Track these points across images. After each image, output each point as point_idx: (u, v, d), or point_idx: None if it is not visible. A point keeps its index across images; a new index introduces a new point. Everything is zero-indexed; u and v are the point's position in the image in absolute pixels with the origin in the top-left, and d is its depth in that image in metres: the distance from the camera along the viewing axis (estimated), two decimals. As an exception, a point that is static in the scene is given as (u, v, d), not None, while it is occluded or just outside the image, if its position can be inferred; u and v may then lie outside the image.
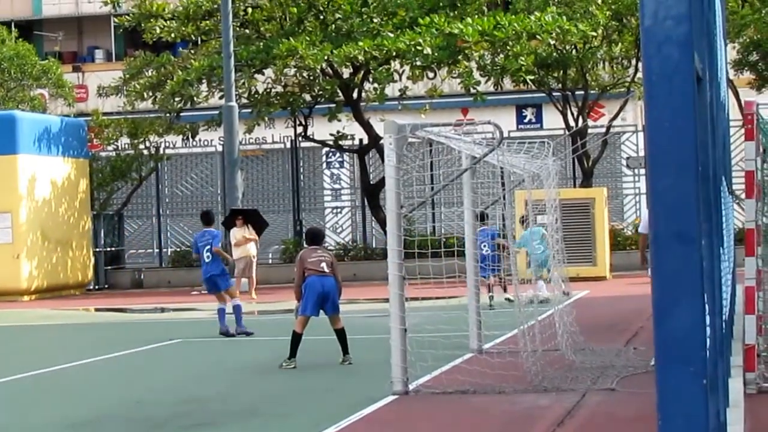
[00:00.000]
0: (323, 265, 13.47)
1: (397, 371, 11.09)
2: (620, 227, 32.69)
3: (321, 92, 31.52)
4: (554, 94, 32.63)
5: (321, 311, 13.54)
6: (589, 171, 32.42)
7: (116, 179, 34.49)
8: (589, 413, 9.96)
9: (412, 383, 11.31)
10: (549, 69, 31.20)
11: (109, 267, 34.12)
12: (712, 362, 4.26)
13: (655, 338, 3.35)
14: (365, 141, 32.84)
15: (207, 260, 17.44)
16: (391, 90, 31.66)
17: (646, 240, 23.87)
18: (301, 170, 35.94)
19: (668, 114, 3.34)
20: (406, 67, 30.02)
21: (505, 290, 20.64)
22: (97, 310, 26.89)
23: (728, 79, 24.14)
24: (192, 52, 32.92)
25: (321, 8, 31.09)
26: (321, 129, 33.32)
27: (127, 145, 34.64)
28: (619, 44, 31.52)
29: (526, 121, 40.78)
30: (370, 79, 30.93)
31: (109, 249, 34.32)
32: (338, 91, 31.56)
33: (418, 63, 28.86)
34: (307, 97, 31.96)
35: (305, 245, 14.43)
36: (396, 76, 30.32)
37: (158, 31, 31.41)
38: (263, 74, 31.34)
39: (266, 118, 32.05)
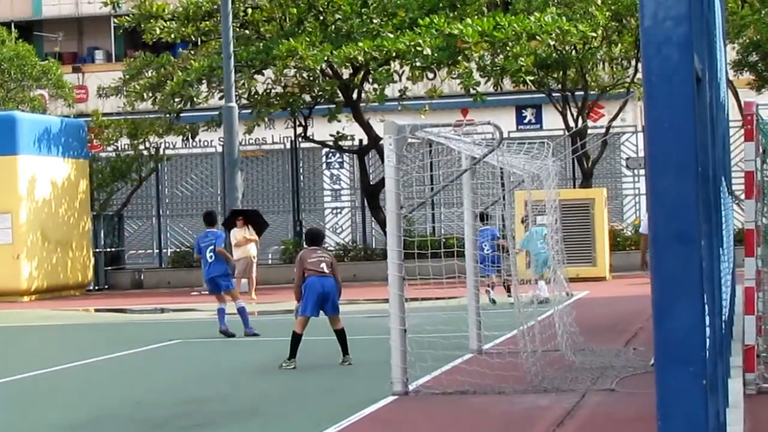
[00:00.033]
0: (323, 265, 13.48)
1: (397, 372, 11.09)
2: (620, 228, 32.69)
3: (321, 93, 31.53)
4: (554, 94, 32.64)
5: (321, 312, 13.55)
6: (589, 171, 32.43)
7: (116, 180, 34.50)
8: (588, 414, 9.97)
9: (411, 384, 11.31)
10: (549, 69, 31.21)
11: (109, 267, 34.13)
12: (711, 363, 4.26)
13: (655, 339, 3.35)
14: (365, 141, 32.85)
15: (210, 261, 17.43)
16: (391, 90, 31.66)
17: (647, 241, 23.87)
18: (301, 171, 35.95)
19: (668, 114, 3.35)
20: (406, 68, 30.02)
21: (507, 290, 20.65)
22: (96, 310, 26.89)
23: (728, 80, 24.16)
24: (192, 52, 32.92)
25: (321, 9, 31.10)
26: (321, 129, 33.33)
27: (127, 146, 34.64)
28: (619, 45, 31.53)
29: (525, 121, 40.80)
30: (370, 80, 30.94)
31: (109, 249, 34.32)
32: (338, 91, 31.57)
33: (418, 63, 28.86)
34: (307, 98, 31.96)
35: (305, 246, 14.43)
36: (396, 77, 30.33)
37: (158, 31, 31.42)
38: (263, 75, 31.35)
39: (266, 119, 32.05)
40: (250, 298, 24.34)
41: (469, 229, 13.87)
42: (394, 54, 28.85)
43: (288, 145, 35.07)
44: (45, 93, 38.38)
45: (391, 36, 28.98)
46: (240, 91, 31.09)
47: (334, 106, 31.88)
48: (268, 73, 31.10)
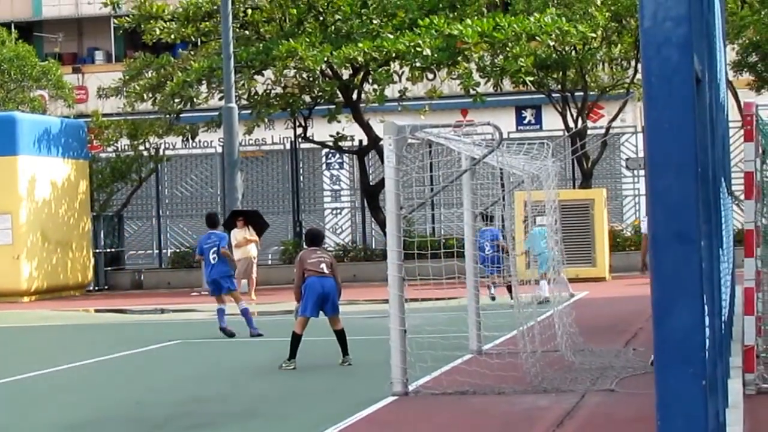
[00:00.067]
0: (323, 266, 13.48)
1: (397, 372, 11.10)
2: (619, 228, 32.69)
3: (321, 93, 31.53)
4: (554, 95, 32.65)
5: (321, 312, 13.56)
6: (589, 172, 32.44)
7: (116, 180, 34.51)
8: (588, 414, 9.97)
9: (411, 384, 11.32)
10: (548, 70, 31.22)
11: (109, 268, 34.13)
12: (711, 363, 4.27)
13: (655, 339, 3.36)
14: (365, 142, 32.85)
15: (213, 262, 17.42)
16: (391, 91, 31.67)
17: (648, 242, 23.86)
18: (301, 171, 35.95)
19: (667, 115, 3.35)
20: (406, 69, 30.02)
21: (509, 291, 20.65)
22: (96, 311, 26.89)
23: (728, 81, 24.16)
24: (192, 53, 32.93)
25: (321, 9, 31.10)
26: (321, 130, 33.33)
27: (127, 147, 34.66)
28: (619, 45, 31.54)
29: (525, 122, 40.80)
30: (370, 81, 30.95)
31: (108, 250, 34.32)
32: (338, 92, 31.57)
33: (418, 64, 28.87)
34: (307, 99, 31.97)
35: (305, 246, 14.45)
36: (395, 78, 30.33)
37: (158, 32, 31.42)
38: (263, 75, 31.35)
39: (266, 120, 32.05)
40: (249, 298, 24.35)
41: (468, 229, 13.87)
42: (393, 54, 28.86)
43: (288, 146, 35.08)
44: (45, 93, 38.38)
45: (391, 37, 28.99)
46: (240, 92, 31.10)
47: (333, 106, 31.89)
48: (268, 73, 31.10)
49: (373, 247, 33.52)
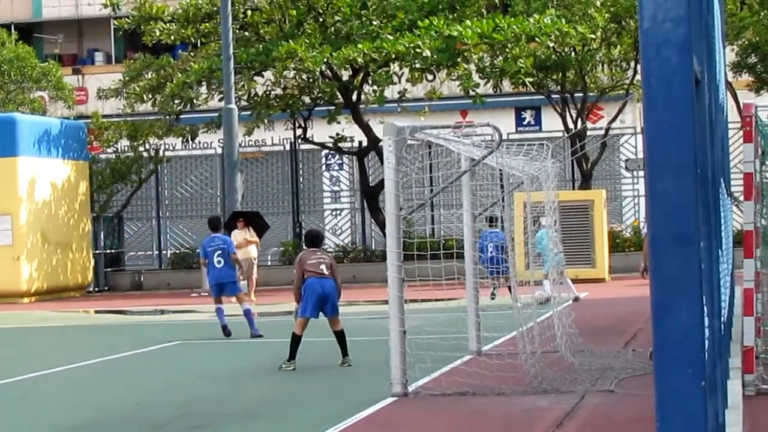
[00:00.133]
0: (322, 267, 13.49)
1: (397, 373, 11.10)
2: (619, 229, 32.69)
3: (320, 94, 31.54)
4: (553, 96, 32.66)
5: (320, 313, 13.56)
6: (588, 173, 32.44)
7: (116, 181, 34.52)
8: (588, 415, 9.98)
9: (411, 385, 11.32)
10: (548, 71, 31.23)
11: (109, 269, 34.14)
12: (710, 364, 4.27)
13: (654, 340, 3.36)
14: (364, 143, 32.86)
15: (218, 265, 17.41)
16: (391, 92, 31.68)
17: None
18: (301, 172, 35.96)
19: (667, 116, 3.35)
20: (406, 70, 30.04)
21: (510, 292, 20.65)
22: (96, 312, 26.89)
23: (727, 82, 24.16)
24: (191, 54, 32.94)
25: (320, 11, 31.11)
26: (320, 131, 33.34)
27: (126, 148, 34.68)
28: (618, 46, 31.55)
29: (525, 123, 40.81)
30: (370, 82, 30.95)
31: (108, 251, 34.33)
32: (337, 93, 31.58)
33: (418, 65, 28.88)
34: (307, 100, 31.98)
35: (304, 247, 14.45)
36: (395, 79, 30.34)
37: (158, 33, 31.42)
38: (263, 76, 31.36)
39: (266, 121, 32.05)
40: (249, 299, 24.35)
41: (468, 230, 13.87)
42: (393, 56, 28.86)
43: (287, 147, 35.09)
44: (45, 95, 38.39)
45: (391, 38, 29.00)
46: (240, 93, 31.11)
47: (333, 107, 31.90)
48: (268, 74, 31.11)
49: (373, 248, 33.52)
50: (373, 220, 33.06)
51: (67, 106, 38.40)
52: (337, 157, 37.02)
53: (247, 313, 17.38)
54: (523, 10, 30.40)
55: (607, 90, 32.74)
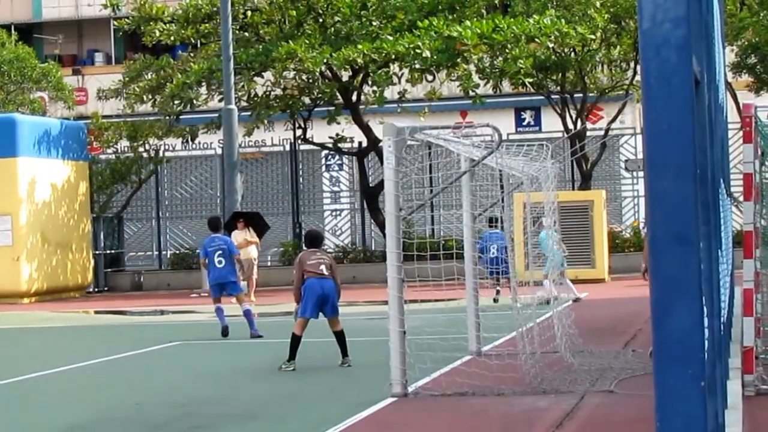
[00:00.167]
0: (322, 267, 13.49)
1: (396, 373, 11.11)
2: (619, 230, 32.70)
3: (320, 95, 31.55)
4: (553, 96, 32.66)
5: (320, 314, 13.57)
6: (588, 173, 32.45)
7: (116, 182, 34.52)
8: (587, 415, 9.98)
9: (411, 385, 11.32)
10: (548, 72, 31.23)
11: (109, 269, 34.14)
12: (710, 364, 4.27)
13: (654, 340, 3.36)
14: (364, 144, 32.86)
15: (219, 265, 17.42)
16: (390, 93, 31.68)
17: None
18: (301, 173, 35.96)
19: (666, 116, 3.36)
20: (405, 70, 30.04)
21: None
22: (96, 312, 26.89)
23: (726, 82, 24.17)
24: (191, 55, 32.94)
25: (320, 11, 31.11)
26: (320, 132, 33.34)
27: (126, 148, 34.68)
28: (618, 47, 31.55)
29: (524, 123, 40.81)
30: (369, 82, 30.96)
31: (108, 251, 34.33)
32: (337, 94, 31.58)
33: (417, 66, 28.89)
34: (307, 100, 31.98)
35: (304, 248, 14.46)
36: (395, 79, 30.34)
37: (158, 34, 31.42)
38: (262, 77, 31.36)
39: (265, 121, 32.05)
40: (249, 300, 24.36)
41: (468, 231, 13.88)
42: (393, 56, 28.87)
43: (287, 147, 35.09)
44: (45, 95, 38.39)
45: (391, 38, 29.00)
46: (239, 94, 31.11)
47: (333, 108, 31.90)
48: (268, 75, 31.12)
49: (373, 248, 33.52)
50: (372, 221, 33.06)
51: (67, 106, 38.41)
52: (337, 157, 37.02)
53: (247, 314, 17.39)
54: (523, 10, 30.40)
55: (606, 90, 32.74)
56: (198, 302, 26.67)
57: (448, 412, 10.34)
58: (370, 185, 32.64)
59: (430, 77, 30.82)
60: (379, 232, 31.26)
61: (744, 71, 32.84)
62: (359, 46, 28.75)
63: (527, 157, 13.40)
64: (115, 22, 35.36)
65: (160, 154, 34.80)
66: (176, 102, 31.56)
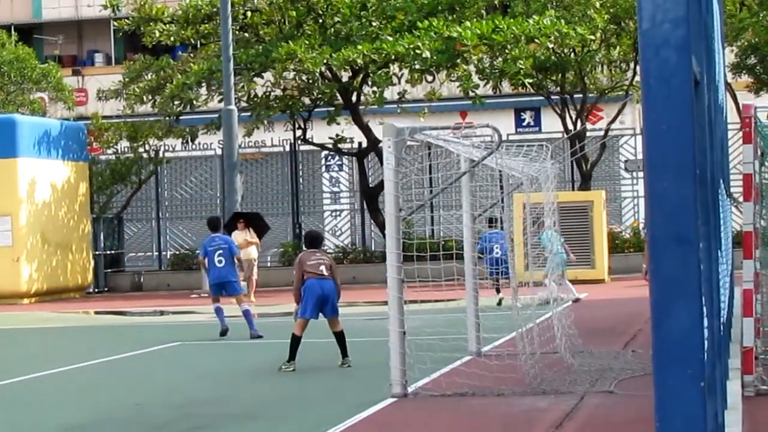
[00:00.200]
0: (322, 268, 13.50)
1: (396, 374, 11.11)
2: (618, 230, 32.70)
3: (320, 95, 31.55)
4: (553, 97, 32.67)
5: (320, 314, 13.57)
6: (588, 174, 32.45)
7: (116, 182, 34.53)
8: (587, 416, 9.98)
9: (410, 386, 11.32)
10: (547, 72, 31.23)
11: (109, 270, 34.14)
12: (710, 364, 4.27)
13: (654, 340, 3.36)
14: (364, 144, 32.86)
15: (219, 265, 17.42)
16: (390, 93, 31.68)
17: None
18: (300, 173, 35.96)
19: (666, 117, 3.36)
20: (405, 71, 30.05)
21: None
22: (96, 313, 26.89)
23: (726, 83, 24.18)
24: (191, 55, 32.95)
25: (320, 12, 31.12)
26: (320, 132, 33.34)
27: (126, 149, 34.69)
28: (618, 47, 31.56)
29: (524, 124, 40.81)
30: (369, 83, 30.96)
31: (108, 252, 34.33)
32: (337, 94, 31.59)
33: (417, 66, 28.89)
34: (306, 101, 31.99)
35: (304, 248, 14.46)
36: (395, 80, 30.35)
37: (158, 34, 31.43)
38: (262, 78, 31.37)
39: (265, 122, 32.06)
40: (249, 300, 24.36)
41: (468, 231, 13.88)
42: (393, 57, 28.87)
43: (287, 148, 35.10)
44: (45, 96, 38.40)
45: (390, 39, 29.01)
46: (239, 94, 31.11)
47: (333, 108, 31.91)
48: (268, 75, 31.12)
49: (373, 249, 33.53)
50: (372, 221, 33.07)
51: (67, 107, 38.42)
52: (337, 158, 37.02)
53: (246, 314, 17.40)
54: (523, 11, 30.41)
55: (606, 91, 32.75)
56: (198, 303, 26.67)
57: (448, 413, 10.34)
58: (370, 186, 32.64)
59: (429, 78, 30.83)
60: (379, 232, 31.27)
61: (744, 72, 32.84)
62: (359, 47, 28.76)
63: (527, 157, 13.40)
64: (115, 23, 35.37)
65: (160, 154, 34.80)
66: (176, 102, 31.56)
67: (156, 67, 32.42)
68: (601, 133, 33.47)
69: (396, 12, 30.11)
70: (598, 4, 29.99)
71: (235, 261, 17.68)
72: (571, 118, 32.31)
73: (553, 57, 30.58)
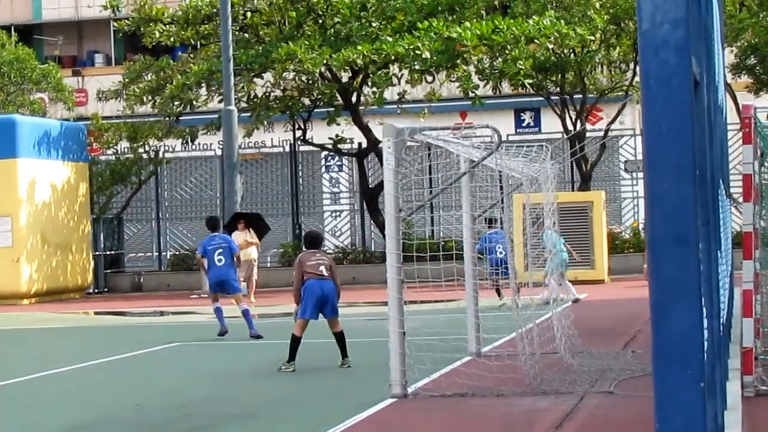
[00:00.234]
0: (322, 268, 13.50)
1: (396, 374, 11.11)
2: (618, 230, 32.71)
3: (320, 96, 31.55)
4: (552, 97, 32.67)
5: (320, 315, 13.57)
6: (588, 174, 32.45)
7: (116, 183, 34.53)
8: (587, 416, 9.98)
9: (410, 386, 11.33)
10: (547, 73, 31.24)
11: (109, 270, 34.14)
12: (709, 365, 4.28)
13: (653, 341, 3.37)
14: (364, 145, 32.86)
15: (219, 264, 17.44)
16: (390, 94, 31.68)
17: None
18: (300, 174, 35.97)
19: (666, 117, 3.36)
20: (405, 71, 30.05)
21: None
22: (96, 313, 26.89)
23: (726, 83, 24.18)
24: (191, 56, 32.95)
25: (320, 12, 31.12)
26: (320, 133, 33.34)
27: (126, 149, 34.69)
28: (617, 48, 31.57)
29: (524, 124, 40.81)
30: (369, 83, 30.96)
31: (108, 252, 34.33)
32: (337, 95, 31.59)
33: (417, 67, 28.89)
34: (306, 101, 31.99)
35: (304, 249, 14.46)
36: (395, 80, 30.35)
37: (158, 35, 31.43)
38: (262, 78, 31.37)
39: (265, 122, 32.06)
40: (249, 301, 24.36)
41: (467, 232, 13.88)
42: (393, 57, 28.88)
43: (287, 148, 35.10)
44: (45, 96, 38.40)
45: (390, 39, 29.01)
46: (239, 95, 31.11)
47: (333, 109, 31.91)
48: (268, 76, 31.12)
49: (372, 249, 33.53)
50: (372, 222, 33.07)
51: (66, 107, 38.41)
52: (337, 158, 37.02)
53: (246, 314, 17.41)
54: (523, 11, 30.42)
55: (606, 91, 32.76)
56: (198, 303, 26.67)
57: (448, 413, 10.34)
58: (370, 186, 32.64)
59: (429, 78, 30.84)
60: (379, 233, 31.26)
61: (743, 72, 32.85)
62: (359, 47, 28.76)
63: (527, 158, 13.40)
64: (115, 24, 35.36)
65: (160, 155, 34.81)
66: (176, 103, 31.56)
67: (156, 67, 32.42)
68: (601, 133, 33.47)
69: (396, 12, 30.11)
70: (597, 5, 30.00)
71: (235, 260, 17.69)
72: (570, 118, 32.31)
73: (552, 57, 30.58)
